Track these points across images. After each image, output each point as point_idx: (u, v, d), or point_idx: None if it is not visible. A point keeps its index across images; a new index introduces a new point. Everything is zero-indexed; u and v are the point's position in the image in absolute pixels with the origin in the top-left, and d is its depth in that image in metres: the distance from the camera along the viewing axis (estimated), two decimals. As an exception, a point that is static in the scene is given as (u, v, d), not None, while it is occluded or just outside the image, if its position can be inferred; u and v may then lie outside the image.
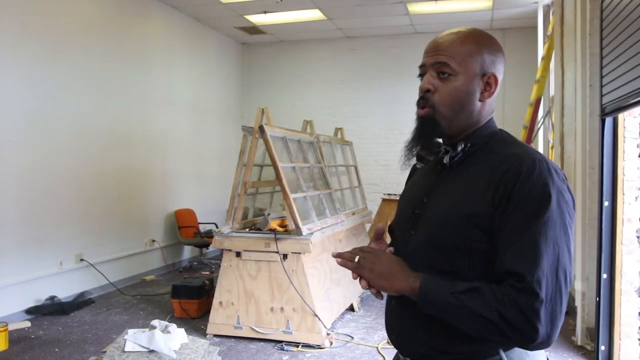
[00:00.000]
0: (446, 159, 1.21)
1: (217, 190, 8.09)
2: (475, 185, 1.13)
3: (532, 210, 1.04)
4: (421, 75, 1.22)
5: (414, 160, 1.31)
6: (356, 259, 1.17)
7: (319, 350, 4.01)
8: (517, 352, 1.13)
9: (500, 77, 1.21)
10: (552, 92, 5.65)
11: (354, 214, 5.67)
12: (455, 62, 1.16)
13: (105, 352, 3.65)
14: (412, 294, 1.11)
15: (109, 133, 5.85)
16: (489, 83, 1.19)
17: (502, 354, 1.11)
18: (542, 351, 1.17)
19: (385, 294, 1.20)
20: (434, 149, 1.23)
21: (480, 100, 1.19)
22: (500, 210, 1.07)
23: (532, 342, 1.02)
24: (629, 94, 2.92)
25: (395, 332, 1.26)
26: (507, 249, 1.05)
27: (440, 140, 1.24)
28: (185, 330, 3.81)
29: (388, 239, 1.33)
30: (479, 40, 1.19)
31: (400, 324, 1.23)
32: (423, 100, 1.19)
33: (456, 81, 1.16)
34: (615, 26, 3.15)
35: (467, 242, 1.10)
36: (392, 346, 1.30)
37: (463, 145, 1.20)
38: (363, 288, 1.20)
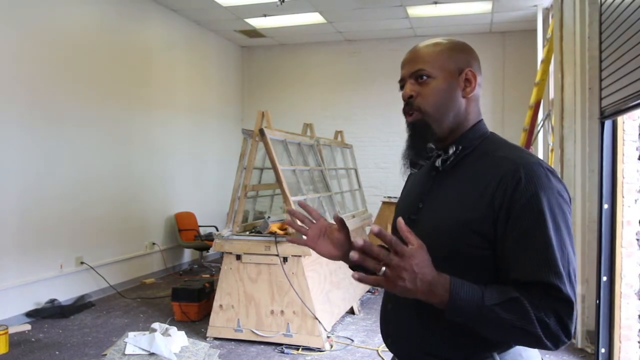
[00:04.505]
0: (438, 163, 1.23)
1: (217, 194, 8.09)
2: (469, 190, 1.13)
3: (539, 217, 1.04)
4: (402, 88, 1.25)
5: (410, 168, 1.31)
6: (381, 271, 0.97)
7: (319, 353, 4.01)
8: (512, 353, 1.13)
9: (478, 77, 1.23)
10: (551, 95, 5.66)
11: (354, 216, 5.67)
12: (430, 65, 1.19)
13: (106, 355, 3.65)
14: (438, 304, 1.03)
15: (109, 136, 5.86)
16: (468, 79, 1.21)
17: (496, 356, 1.12)
18: (537, 352, 1.18)
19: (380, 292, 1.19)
20: (427, 154, 1.23)
21: (463, 97, 1.21)
22: (502, 217, 1.07)
23: (563, 345, 1.03)
24: (628, 97, 2.93)
25: (390, 337, 1.26)
26: (523, 258, 1.04)
27: (432, 145, 1.24)
28: (186, 333, 3.82)
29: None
30: (448, 43, 1.23)
31: (396, 328, 1.23)
32: (408, 106, 1.22)
33: (435, 82, 1.19)
34: (614, 29, 3.16)
35: (466, 247, 1.10)
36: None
37: (454, 149, 1.21)
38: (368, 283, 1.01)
